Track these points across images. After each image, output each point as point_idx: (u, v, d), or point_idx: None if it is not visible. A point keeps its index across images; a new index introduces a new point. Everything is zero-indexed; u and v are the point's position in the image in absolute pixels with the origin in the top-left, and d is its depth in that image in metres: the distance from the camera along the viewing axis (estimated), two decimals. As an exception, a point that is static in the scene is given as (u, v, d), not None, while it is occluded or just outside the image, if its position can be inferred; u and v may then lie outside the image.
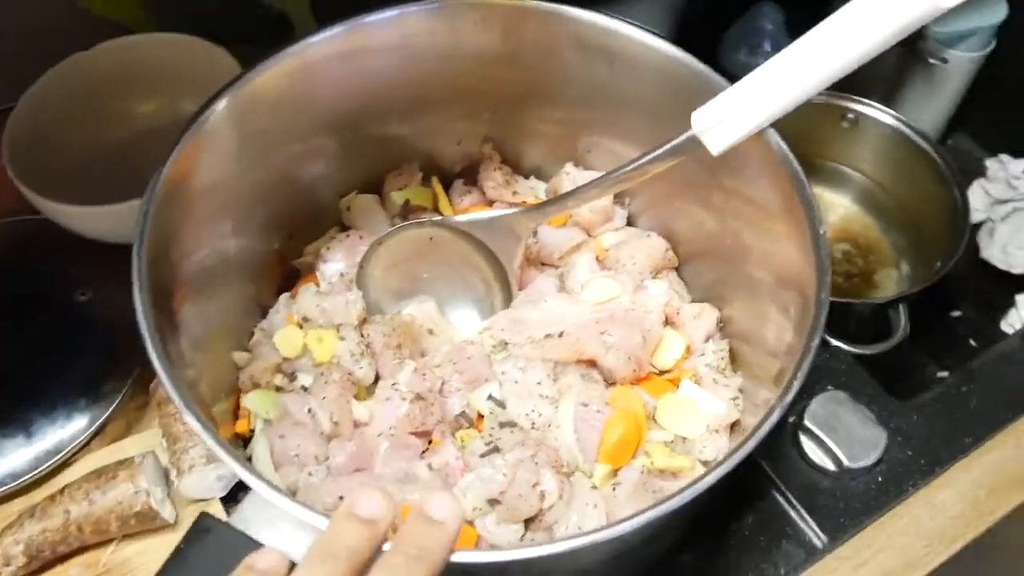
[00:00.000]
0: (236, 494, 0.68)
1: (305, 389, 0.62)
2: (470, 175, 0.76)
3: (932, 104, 0.96)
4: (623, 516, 0.43)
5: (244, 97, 0.59)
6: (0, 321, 0.75)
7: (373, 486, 0.41)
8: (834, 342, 0.75)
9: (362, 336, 0.64)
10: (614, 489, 0.56)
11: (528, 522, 0.56)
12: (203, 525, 0.40)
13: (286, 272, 0.72)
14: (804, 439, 0.70)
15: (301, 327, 0.65)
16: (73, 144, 0.78)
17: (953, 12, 0.45)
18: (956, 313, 0.90)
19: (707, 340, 0.67)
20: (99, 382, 0.71)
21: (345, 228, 0.73)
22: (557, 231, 0.72)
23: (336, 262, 0.68)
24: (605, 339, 0.62)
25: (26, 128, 0.73)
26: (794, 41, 0.51)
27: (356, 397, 0.62)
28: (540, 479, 0.56)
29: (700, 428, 0.61)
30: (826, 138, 0.93)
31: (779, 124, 0.55)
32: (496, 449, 0.57)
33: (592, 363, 0.64)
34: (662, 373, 0.66)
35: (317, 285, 0.68)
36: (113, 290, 0.75)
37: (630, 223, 0.75)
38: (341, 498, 0.54)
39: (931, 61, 0.90)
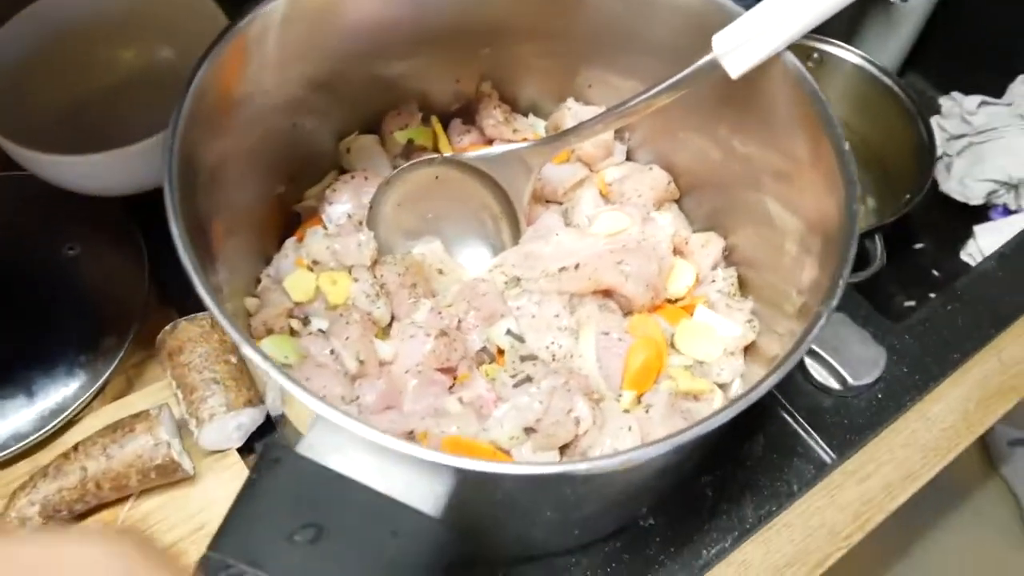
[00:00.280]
0: (251, 445, 0.67)
1: (322, 332, 0.61)
2: (467, 115, 0.75)
3: (890, 43, 0.98)
4: (658, 437, 0.44)
5: (238, 46, 0.56)
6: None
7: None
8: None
9: (375, 277, 0.64)
10: (647, 411, 0.57)
11: (563, 449, 0.57)
12: (272, 455, 0.39)
13: (286, 218, 0.70)
14: (808, 360, 0.72)
15: (311, 270, 0.64)
16: (46, 93, 0.73)
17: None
18: (919, 245, 0.93)
19: (715, 268, 0.68)
20: (97, 337, 0.68)
21: (344, 171, 0.71)
22: (560, 167, 0.72)
23: (343, 203, 0.67)
24: (623, 268, 0.62)
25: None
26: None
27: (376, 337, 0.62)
28: (573, 406, 0.56)
29: (718, 351, 0.63)
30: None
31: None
32: (529, 379, 0.57)
33: (607, 294, 0.64)
34: (674, 302, 0.67)
35: (324, 228, 0.67)
36: (101, 243, 0.73)
37: (629, 158, 0.75)
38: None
39: (891, 0, 0.92)
